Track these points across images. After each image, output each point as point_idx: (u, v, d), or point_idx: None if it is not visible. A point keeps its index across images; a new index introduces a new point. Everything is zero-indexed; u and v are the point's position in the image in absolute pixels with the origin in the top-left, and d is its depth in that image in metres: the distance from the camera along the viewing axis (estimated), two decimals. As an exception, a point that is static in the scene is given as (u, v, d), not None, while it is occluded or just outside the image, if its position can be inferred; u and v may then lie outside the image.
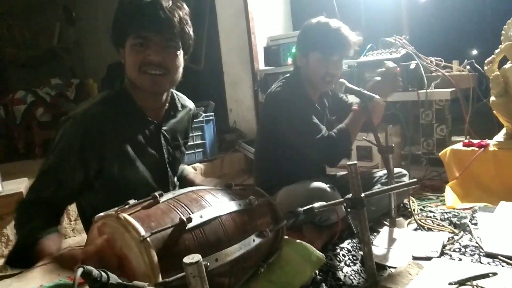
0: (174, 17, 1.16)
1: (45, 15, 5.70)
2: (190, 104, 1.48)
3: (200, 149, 3.02)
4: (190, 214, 0.93)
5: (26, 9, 5.65)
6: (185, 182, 1.51)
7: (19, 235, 1.15)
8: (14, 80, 5.49)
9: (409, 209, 1.96)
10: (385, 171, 2.00)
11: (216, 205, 1.00)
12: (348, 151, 1.82)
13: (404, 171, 2.01)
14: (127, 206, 0.93)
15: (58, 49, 5.58)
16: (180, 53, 1.24)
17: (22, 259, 1.08)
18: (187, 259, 0.70)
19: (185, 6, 1.22)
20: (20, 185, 2.08)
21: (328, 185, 1.73)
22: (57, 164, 1.17)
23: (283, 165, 1.91)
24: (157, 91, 1.24)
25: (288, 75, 1.95)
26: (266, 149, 2.00)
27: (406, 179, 1.97)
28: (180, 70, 1.26)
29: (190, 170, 1.63)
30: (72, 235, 2.33)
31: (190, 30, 1.23)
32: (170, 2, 1.17)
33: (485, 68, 2.21)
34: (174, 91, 1.39)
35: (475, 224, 1.67)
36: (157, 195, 0.95)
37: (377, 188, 1.93)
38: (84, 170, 1.17)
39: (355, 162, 1.20)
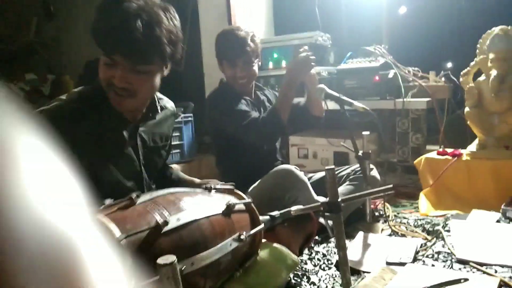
0: (151, 38, 1.08)
1: (22, 9, 5.56)
2: (171, 106, 1.45)
3: (178, 150, 2.99)
4: (167, 216, 0.91)
5: (2, 2, 5.49)
6: (183, 183, 1.48)
7: None
8: (-13, 74, 5.31)
9: (384, 215, 1.99)
10: (353, 167, 2.08)
11: (194, 208, 0.99)
12: (281, 128, 1.89)
13: (372, 165, 2.05)
14: (102, 207, 0.91)
15: (35, 44, 5.45)
16: (154, 75, 1.18)
17: None
18: (161, 260, 0.69)
19: (169, 19, 1.14)
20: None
21: (293, 166, 1.81)
22: None
23: (241, 171, 1.98)
24: (124, 110, 1.20)
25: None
26: (222, 156, 2.13)
27: (373, 173, 2.04)
28: (154, 88, 1.21)
29: (182, 174, 1.61)
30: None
31: (175, 44, 1.16)
32: (144, 23, 1.07)
33: (461, 79, 2.27)
34: (156, 93, 1.36)
35: (448, 231, 1.71)
36: (134, 196, 0.93)
37: (346, 184, 1.98)
38: None
39: (332, 166, 1.21)
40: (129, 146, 1.26)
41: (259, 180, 1.86)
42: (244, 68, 1.95)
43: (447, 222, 1.79)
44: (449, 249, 1.55)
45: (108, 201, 0.94)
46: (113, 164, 1.21)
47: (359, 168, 1.94)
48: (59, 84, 4.21)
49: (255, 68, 2.01)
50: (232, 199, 1.10)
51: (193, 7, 3.80)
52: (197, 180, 1.51)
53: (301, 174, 1.77)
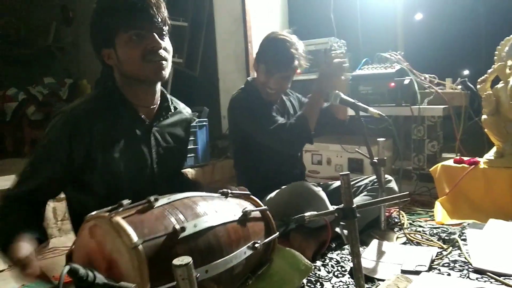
0: (161, 6, 1.20)
1: (42, 14, 5.68)
2: (186, 110, 1.47)
3: (192, 155, 3.00)
4: (184, 222, 0.92)
5: (24, 7, 5.62)
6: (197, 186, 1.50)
7: None
8: (7, 77, 5.43)
9: (399, 223, 1.97)
10: (371, 178, 2.05)
11: (211, 214, 0.99)
12: (308, 136, 1.86)
13: (390, 177, 2.04)
14: (121, 209, 0.91)
15: (53, 48, 5.56)
16: (168, 40, 1.26)
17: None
18: (177, 261, 0.69)
19: None
20: (7, 183, 2.04)
21: (310, 182, 1.77)
22: (43, 156, 1.17)
23: (261, 175, 1.98)
24: (161, 79, 1.25)
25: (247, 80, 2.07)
26: (241, 159, 2.10)
27: (392, 185, 2.02)
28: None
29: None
30: (58, 235, 2.30)
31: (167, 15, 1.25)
32: None
33: (478, 87, 2.24)
34: (169, 95, 1.39)
35: (464, 240, 1.68)
36: (152, 199, 0.94)
37: (363, 195, 1.96)
38: (69, 164, 1.17)
39: (347, 172, 1.20)
40: (143, 145, 1.28)
41: (275, 192, 1.83)
42: (281, 82, 1.90)
43: (463, 231, 1.77)
44: (465, 258, 1.52)
45: (125, 202, 0.94)
46: (127, 162, 1.23)
47: (376, 179, 1.91)
48: (77, 88, 4.29)
49: (290, 83, 1.98)
50: (248, 206, 1.10)
51: (209, 13, 3.83)
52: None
53: (318, 191, 1.73)
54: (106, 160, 1.20)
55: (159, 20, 1.18)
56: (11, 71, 5.60)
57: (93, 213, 0.89)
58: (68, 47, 5.70)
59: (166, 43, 1.23)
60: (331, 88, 1.85)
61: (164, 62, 1.21)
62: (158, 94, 1.32)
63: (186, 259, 0.68)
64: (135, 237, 0.81)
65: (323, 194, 1.73)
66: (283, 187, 1.82)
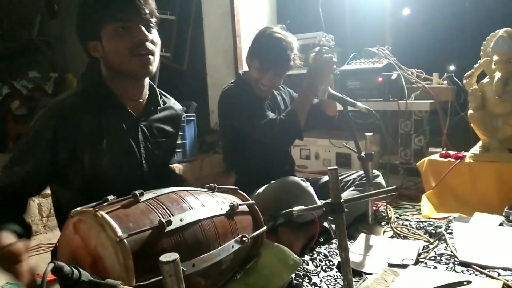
0: None
1: (26, 7, 5.57)
2: (176, 106, 1.45)
3: (180, 150, 2.98)
4: (170, 216, 0.91)
5: (6, 0, 5.50)
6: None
7: None
8: (-10, 71, 5.33)
9: (386, 217, 1.98)
10: (359, 173, 2.06)
11: (197, 208, 0.98)
12: (298, 131, 1.86)
13: (378, 172, 2.05)
14: (105, 203, 0.90)
15: (38, 41, 5.45)
16: (156, 32, 1.24)
17: None
18: (163, 258, 0.68)
19: None
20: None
21: (299, 178, 1.77)
22: (27, 149, 1.14)
23: (250, 169, 1.97)
24: (148, 73, 1.23)
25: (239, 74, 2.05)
26: (231, 154, 2.08)
27: (379, 180, 2.03)
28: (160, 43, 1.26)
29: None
30: (44, 231, 2.26)
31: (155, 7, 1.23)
32: None
33: (464, 82, 2.26)
34: (158, 89, 1.37)
35: (450, 233, 1.70)
36: (138, 194, 0.93)
37: (351, 189, 1.97)
38: (53, 159, 1.14)
39: (335, 167, 1.20)
40: (130, 139, 1.26)
41: (264, 187, 1.83)
42: (274, 80, 1.89)
43: (449, 225, 1.79)
44: (451, 251, 1.54)
45: (111, 198, 0.93)
46: (114, 156, 1.21)
47: (364, 174, 1.92)
48: (62, 82, 4.22)
49: (282, 80, 1.97)
50: (235, 200, 1.10)
51: (197, 6, 3.79)
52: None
53: (307, 186, 1.73)
54: (92, 155, 1.17)
55: (146, 11, 1.16)
56: (-6, 66, 5.50)
57: (78, 209, 0.88)
58: (53, 41, 5.59)
59: (154, 35, 1.21)
60: (321, 83, 1.84)
61: (151, 56, 1.19)
62: (146, 88, 1.30)
63: (173, 255, 0.67)
64: (119, 231, 0.80)
65: (311, 190, 1.73)
66: (272, 182, 1.82)
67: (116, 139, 1.22)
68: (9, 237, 0.97)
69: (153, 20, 1.20)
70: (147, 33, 1.17)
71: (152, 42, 1.19)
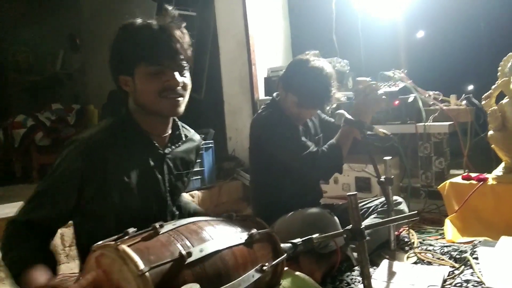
0: (184, 43, 1.19)
1: (50, 42, 5.81)
2: (196, 137, 1.47)
3: (199, 176, 3.01)
4: (190, 247, 0.91)
5: (32, 36, 5.76)
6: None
7: (7, 258, 1.10)
8: (16, 104, 5.53)
9: (409, 242, 1.94)
10: (381, 200, 2.01)
11: (216, 238, 0.98)
12: (340, 165, 1.83)
13: (400, 199, 2.01)
14: (126, 237, 0.91)
15: (61, 75, 5.66)
16: (188, 75, 1.26)
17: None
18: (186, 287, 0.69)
19: (184, 29, 1.24)
20: (16, 209, 2.05)
21: (325, 210, 1.74)
22: (55, 186, 1.15)
23: (278, 195, 1.93)
24: (176, 115, 1.25)
25: (268, 102, 2.00)
26: (260, 179, 2.04)
27: (402, 207, 1.98)
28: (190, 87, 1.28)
29: (196, 205, 1.61)
30: (66, 261, 2.28)
31: (190, 49, 1.25)
32: (179, 29, 1.19)
33: (483, 102, 2.24)
34: (180, 122, 1.39)
35: (476, 258, 1.65)
36: (157, 226, 0.93)
37: (373, 217, 1.93)
38: (80, 196, 1.16)
39: (355, 192, 1.19)
40: (156, 173, 1.28)
41: (289, 215, 1.79)
42: (312, 114, 1.87)
43: (475, 249, 1.74)
44: (478, 277, 1.50)
45: (131, 230, 0.94)
46: (142, 191, 1.23)
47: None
48: (84, 113, 4.33)
49: None
50: (253, 228, 1.09)
51: (213, 37, 3.90)
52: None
53: (333, 219, 1.70)
54: (121, 191, 1.18)
55: (182, 57, 1.18)
56: (20, 98, 5.71)
57: (99, 243, 0.89)
58: (75, 74, 5.80)
59: (186, 78, 1.23)
60: (368, 119, 1.82)
61: (180, 98, 1.21)
62: (170, 124, 1.32)
63: (194, 286, 0.68)
64: (141, 264, 0.80)
65: (337, 222, 1.70)
66: (297, 212, 1.79)
67: (143, 174, 1.24)
68: (44, 272, 1.00)
69: (188, 64, 1.22)
70: (179, 78, 1.19)
71: (183, 85, 1.21)
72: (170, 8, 1.23)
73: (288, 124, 1.86)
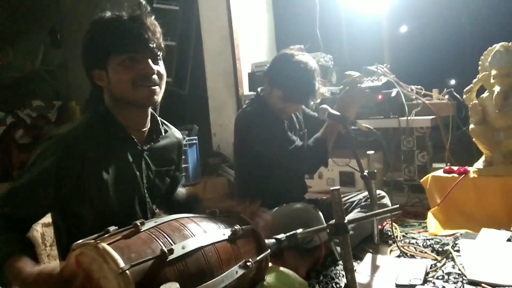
0: (156, 32, 1.19)
1: (30, 37, 5.68)
2: (177, 134, 1.45)
3: (183, 173, 2.98)
4: (172, 244, 0.90)
5: (11, 31, 5.62)
6: (193, 200, 1.49)
7: None
8: (-5, 101, 5.40)
9: (392, 236, 1.96)
10: (364, 194, 2.03)
11: (199, 235, 0.98)
12: (325, 159, 1.84)
13: (383, 193, 2.03)
14: (106, 235, 0.90)
15: (42, 71, 5.54)
16: (162, 64, 1.25)
17: None
18: (164, 287, 0.68)
19: (156, 22, 1.24)
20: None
21: (310, 205, 1.74)
22: (32, 182, 1.12)
23: (263, 190, 1.93)
24: (153, 104, 1.24)
25: (253, 97, 1.99)
26: (244, 174, 2.04)
27: (385, 201, 2.00)
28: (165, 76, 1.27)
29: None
30: (47, 261, 2.25)
31: (162, 41, 1.24)
32: (149, 18, 1.19)
33: (464, 96, 2.27)
34: (159, 118, 1.37)
35: (458, 251, 1.67)
36: (138, 223, 0.92)
37: (357, 211, 1.94)
38: (58, 191, 1.13)
39: (338, 187, 1.20)
40: (134, 169, 1.26)
41: (274, 210, 1.79)
42: (296, 109, 1.87)
43: (456, 242, 1.76)
44: (459, 269, 1.52)
45: (112, 228, 0.93)
46: (120, 186, 1.21)
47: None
48: (66, 110, 4.27)
49: None
50: (237, 224, 1.09)
51: (197, 31, 3.86)
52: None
53: (318, 214, 1.71)
54: (98, 186, 1.17)
55: (154, 45, 1.17)
56: (-1, 95, 5.57)
57: (79, 241, 0.87)
58: (56, 70, 5.68)
59: (160, 67, 1.22)
60: (352, 114, 1.82)
61: (156, 87, 1.20)
62: (149, 117, 1.31)
63: (173, 285, 0.67)
64: (121, 262, 0.79)
65: (321, 216, 1.70)
66: (282, 206, 1.79)
67: (121, 169, 1.22)
68: (28, 261, 0.98)
69: (160, 52, 1.21)
70: (153, 66, 1.18)
71: (158, 74, 1.20)
72: (143, 1, 1.21)
73: (273, 119, 1.86)
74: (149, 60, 1.18)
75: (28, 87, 5.51)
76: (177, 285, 0.67)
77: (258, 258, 1.10)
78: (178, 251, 0.89)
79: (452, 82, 3.06)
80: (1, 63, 5.70)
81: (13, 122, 3.89)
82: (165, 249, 0.86)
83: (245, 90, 3.54)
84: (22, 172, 1.15)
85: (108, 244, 0.83)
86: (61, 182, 1.13)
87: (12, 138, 3.83)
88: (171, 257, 0.86)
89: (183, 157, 2.90)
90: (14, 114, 3.95)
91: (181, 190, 1.57)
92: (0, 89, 5.63)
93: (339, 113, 1.82)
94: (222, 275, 0.96)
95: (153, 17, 1.21)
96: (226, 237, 1.03)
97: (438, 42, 3.10)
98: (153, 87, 1.19)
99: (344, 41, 3.37)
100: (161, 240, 0.90)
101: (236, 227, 1.07)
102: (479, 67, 2.21)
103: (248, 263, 1.04)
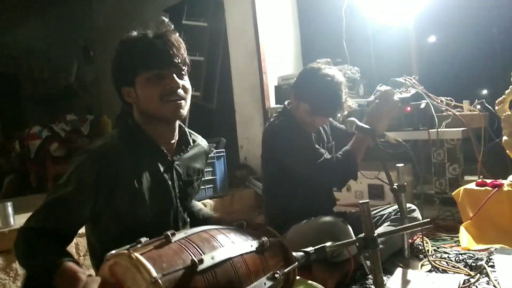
0: (181, 47, 1.23)
1: (64, 54, 5.93)
2: (204, 143, 1.49)
3: (211, 185, 3.02)
4: (201, 255, 0.92)
5: (47, 48, 5.88)
6: (210, 222, 1.49)
7: (33, 263, 1.11)
8: (31, 116, 5.64)
9: (423, 250, 1.92)
10: (394, 207, 1.99)
11: (228, 246, 0.99)
12: (355, 172, 1.82)
13: (414, 206, 1.99)
14: (139, 245, 0.93)
15: (75, 86, 5.76)
16: (187, 79, 1.29)
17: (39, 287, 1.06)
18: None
19: (180, 39, 1.28)
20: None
21: (339, 219, 1.73)
22: (70, 196, 1.16)
23: (291, 203, 1.92)
24: (179, 117, 1.27)
25: (280, 110, 2.00)
26: (273, 187, 2.03)
27: (416, 214, 1.96)
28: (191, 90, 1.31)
29: (208, 210, 1.62)
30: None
31: (187, 56, 1.28)
32: (173, 34, 1.23)
33: (496, 108, 2.21)
34: (187, 129, 1.41)
35: (492, 266, 1.62)
36: (169, 234, 0.95)
37: (387, 225, 1.91)
38: (94, 203, 1.17)
39: (367, 200, 1.19)
40: (165, 180, 1.30)
41: (302, 223, 1.79)
42: (324, 122, 1.87)
43: (491, 257, 1.71)
44: (494, 285, 1.47)
45: (143, 239, 0.96)
46: (152, 197, 1.24)
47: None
48: (98, 124, 4.41)
49: None
50: (264, 237, 1.10)
51: (224, 47, 3.93)
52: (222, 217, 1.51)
53: (347, 228, 1.69)
54: (132, 198, 1.20)
55: (179, 61, 1.21)
56: (35, 110, 5.83)
57: (113, 252, 0.90)
58: (89, 85, 5.90)
59: (185, 82, 1.26)
60: (383, 127, 1.81)
61: (182, 101, 1.24)
62: (177, 130, 1.34)
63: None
64: (154, 272, 0.82)
65: (350, 230, 1.69)
66: (310, 220, 1.79)
67: (154, 180, 1.26)
68: (78, 266, 1.02)
69: (185, 68, 1.25)
70: (178, 81, 1.22)
71: (184, 88, 1.24)
72: (166, 19, 1.26)
73: (301, 132, 1.86)
74: (174, 75, 1.21)
75: (63, 102, 5.74)
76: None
77: (286, 270, 1.11)
78: (207, 261, 0.90)
79: (484, 93, 2.99)
80: (37, 79, 5.97)
81: (48, 135, 4.04)
82: (196, 259, 0.87)
83: (272, 103, 3.56)
84: (58, 186, 1.19)
85: (141, 254, 0.86)
86: (98, 194, 1.16)
87: (47, 151, 3.97)
88: (201, 267, 0.88)
89: (211, 169, 2.97)
90: (49, 128, 4.11)
91: (199, 206, 1.58)
92: (36, 104, 5.90)
93: (367, 126, 1.81)
94: (250, 286, 0.97)
95: (177, 34, 1.26)
96: (254, 249, 1.04)
97: (468, 53, 3.04)
98: (179, 101, 1.23)
99: (371, 53, 3.35)
100: (191, 251, 0.92)
101: (263, 239, 1.08)
102: (512, 78, 2.16)
103: (276, 275, 1.04)
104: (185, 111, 1.26)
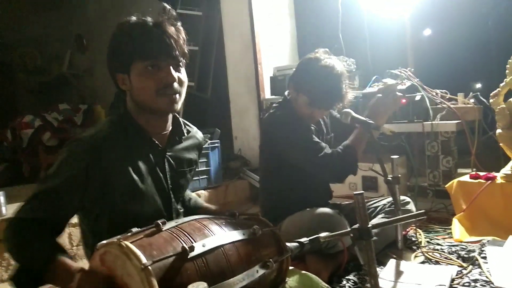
0: (179, 39, 1.19)
1: (57, 43, 5.85)
2: (199, 135, 1.47)
3: (205, 176, 3.01)
4: (192, 242, 0.91)
5: (39, 37, 5.80)
6: (200, 211, 1.48)
7: (24, 256, 1.09)
8: (23, 104, 5.58)
9: (416, 242, 1.93)
10: (388, 199, 2.00)
11: (219, 234, 0.98)
12: (355, 167, 1.79)
13: (408, 199, 1.99)
14: (129, 234, 0.92)
15: (68, 75, 5.70)
16: (184, 71, 1.26)
17: (29, 279, 1.04)
18: (192, 287, 0.69)
19: (180, 26, 1.24)
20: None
21: (334, 211, 1.73)
22: (60, 186, 1.13)
23: (288, 194, 1.91)
24: (173, 111, 1.26)
25: (280, 100, 1.97)
26: (270, 178, 2.01)
27: (410, 207, 1.96)
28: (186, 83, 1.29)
29: (200, 200, 1.61)
30: (74, 261, 2.30)
31: (186, 47, 1.25)
32: (173, 26, 1.20)
33: (491, 101, 2.22)
34: (182, 119, 1.39)
35: (484, 257, 1.64)
36: (160, 223, 0.94)
37: (381, 217, 1.92)
38: (84, 193, 1.15)
39: (361, 191, 1.19)
40: (158, 170, 1.28)
41: (297, 214, 1.78)
42: (324, 114, 1.85)
43: (483, 249, 1.72)
44: (486, 277, 1.48)
45: (135, 229, 0.95)
46: (144, 187, 1.23)
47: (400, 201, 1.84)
48: (91, 113, 4.37)
49: None
50: (257, 226, 1.09)
51: (219, 37, 3.90)
52: (212, 207, 1.50)
53: (342, 219, 1.69)
54: (123, 187, 1.18)
55: (177, 53, 1.18)
56: (27, 99, 5.76)
57: (103, 242, 0.90)
58: (82, 74, 5.83)
59: (181, 74, 1.23)
60: (384, 121, 1.80)
61: (177, 95, 1.21)
62: (170, 121, 1.32)
63: (202, 285, 0.68)
64: (144, 259, 0.81)
65: (345, 222, 1.69)
66: (306, 210, 1.78)
67: (145, 170, 1.24)
68: (72, 261, 1.02)
69: (183, 59, 1.22)
70: (175, 74, 1.19)
71: (179, 81, 1.21)
72: (168, 7, 1.24)
73: (302, 124, 1.83)
74: (171, 68, 1.18)
75: (55, 91, 5.68)
76: (205, 284, 0.68)
77: (279, 258, 1.11)
78: (198, 248, 0.90)
79: (478, 86, 2.99)
80: (30, 68, 5.90)
81: (40, 125, 4.00)
82: (186, 246, 0.87)
83: (267, 94, 3.55)
84: (48, 175, 1.16)
85: (131, 243, 0.85)
86: (89, 184, 1.14)
87: (40, 141, 3.94)
88: (192, 254, 0.87)
89: (205, 160, 2.96)
90: (42, 117, 4.07)
91: (191, 195, 1.57)
92: (29, 93, 5.83)
93: (363, 118, 1.80)
94: (243, 273, 0.96)
95: (179, 23, 1.22)
96: (246, 237, 1.04)
97: (463, 46, 3.04)
98: (174, 95, 1.20)
99: (367, 45, 3.34)
100: (182, 239, 0.92)
101: (255, 228, 1.07)
102: (507, 70, 2.16)
103: (269, 263, 1.04)
104: (178, 105, 1.23)
